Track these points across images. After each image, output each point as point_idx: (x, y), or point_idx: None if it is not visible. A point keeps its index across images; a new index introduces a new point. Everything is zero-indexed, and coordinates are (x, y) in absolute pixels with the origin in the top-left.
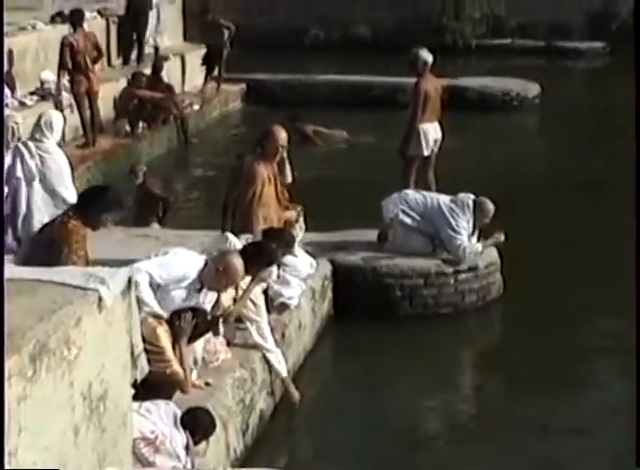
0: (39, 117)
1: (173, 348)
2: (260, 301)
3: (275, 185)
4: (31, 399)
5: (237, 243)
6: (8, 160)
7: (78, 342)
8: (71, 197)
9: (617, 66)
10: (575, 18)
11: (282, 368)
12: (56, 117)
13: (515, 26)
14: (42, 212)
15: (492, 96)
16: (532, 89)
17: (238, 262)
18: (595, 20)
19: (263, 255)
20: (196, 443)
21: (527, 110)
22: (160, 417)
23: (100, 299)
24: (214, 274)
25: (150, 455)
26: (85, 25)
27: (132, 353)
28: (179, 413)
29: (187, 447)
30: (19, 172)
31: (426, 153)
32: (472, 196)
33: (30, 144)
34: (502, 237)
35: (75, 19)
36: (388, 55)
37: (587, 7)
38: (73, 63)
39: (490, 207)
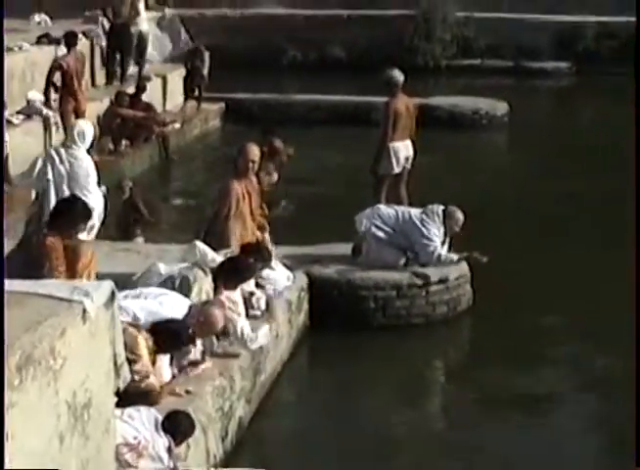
0: (72, 127)
1: (154, 358)
2: (239, 298)
3: (250, 202)
4: (18, 407)
5: (207, 251)
6: (40, 163)
7: (63, 352)
8: (96, 200)
9: (582, 85)
10: (542, 39)
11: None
12: (87, 128)
13: (484, 47)
14: None
15: (462, 114)
16: (501, 108)
17: (218, 314)
18: (561, 41)
19: (241, 270)
20: (176, 444)
21: (496, 128)
22: (142, 423)
23: (84, 311)
24: (196, 323)
25: (133, 461)
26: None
27: (115, 363)
28: (160, 418)
29: (169, 450)
30: (49, 175)
31: (396, 170)
32: (441, 206)
33: (61, 150)
34: (484, 259)
35: (70, 41)
36: (362, 75)
37: (554, 28)
38: (64, 83)
39: (460, 215)
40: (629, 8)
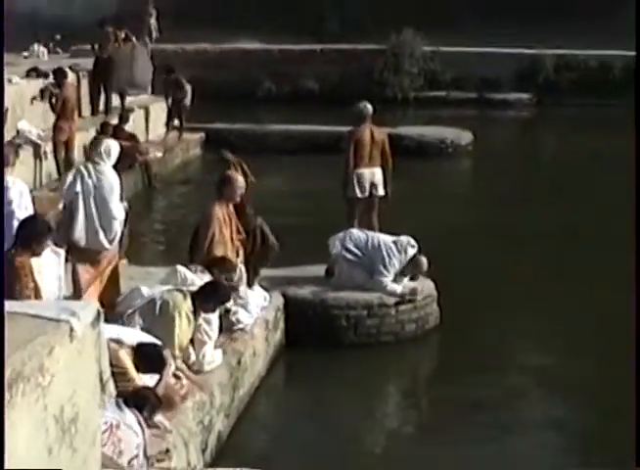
0: (99, 144)
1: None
2: (215, 320)
3: (231, 227)
4: (8, 421)
5: (187, 275)
6: (70, 177)
7: (51, 369)
8: (119, 212)
9: (543, 115)
10: (504, 72)
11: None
12: (114, 146)
13: (449, 80)
14: (95, 223)
15: (429, 143)
16: (465, 137)
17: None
18: (522, 73)
19: (219, 293)
20: (149, 417)
21: (461, 156)
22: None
23: (71, 329)
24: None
25: (115, 447)
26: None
27: (101, 379)
28: (119, 399)
29: (140, 424)
30: (77, 188)
31: (360, 195)
32: (414, 244)
33: (89, 166)
34: (419, 292)
35: (60, 77)
36: (334, 106)
37: (515, 61)
38: (60, 113)
39: (424, 266)
40: (587, 41)
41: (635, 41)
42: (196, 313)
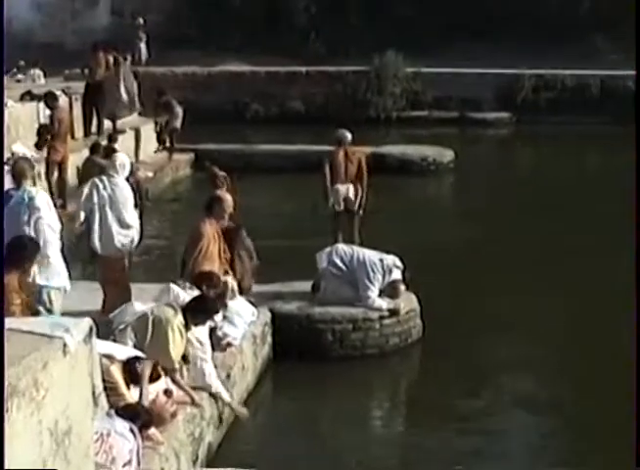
0: (115, 159)
1: (128, 386)
2: (206, 340)
3: (219, 244)
4: (4, 435)
5: (179, 293)
6: (87, 190)
7: (46, 384)
8: (133, 220)
9: (522, 133)
10: (484, 91)
11: (226, 396)
12: (126, 161)
13: (431, 100)
14: (111, 231)
15: (411, 161)
16: (447, 155)
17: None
18: (501, 93)
19: (208, 307)
20: (142, 428)
21: (443, 173)
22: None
23: (65, 345)
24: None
25: (108, 455)
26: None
27: (93, 393)
28: (111, 411)
29: (132, 431)
30: (94, 199)
31: (337, 208)
32: (399, 265)
33: (104, 178)
34: (402, 310)
35: (50, 100)
36: (319, 127)
37: (495, 81)
38: (53, 135)
39: (401, 293)
40: (563, 61)
41: (635, 50)
42: (187, 327)
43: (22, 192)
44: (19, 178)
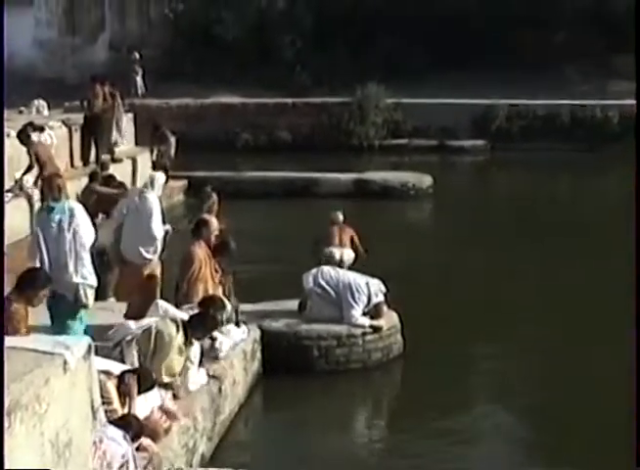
0: (152, 176)
1: (124, 400)
2: (197, 349)
3: (210, 265)
4: (7, 446)
5: (168, 309)
6: (120, 203)
7: (47, 398)
8: (158, 231)
9: (497, 160)
10: (461, 120)
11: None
12: (159, 177)
13: (411, 129)
14: (136, 240)
15: (392, 187)
16: (426, 181)
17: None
18: (477, 122)
19: (207, 323)
20: (135, 438)
21: (422, 198)
22: None
23: (65, 362)
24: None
25: (103, 460)
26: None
27: (92, 407)
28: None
29: (124, 437)
30: (124, 211)
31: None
32: (383, 289)
33: (137, 193)
34: (383, 327)
35: (24, 137)
36: (305, 155)
37: (470, 112)
38: (41, 167)
39: (384, 313)
40: (535, 92)
41: (635, 65)
42: (187, 343)
43: (63, 204)
44: (57, 192)
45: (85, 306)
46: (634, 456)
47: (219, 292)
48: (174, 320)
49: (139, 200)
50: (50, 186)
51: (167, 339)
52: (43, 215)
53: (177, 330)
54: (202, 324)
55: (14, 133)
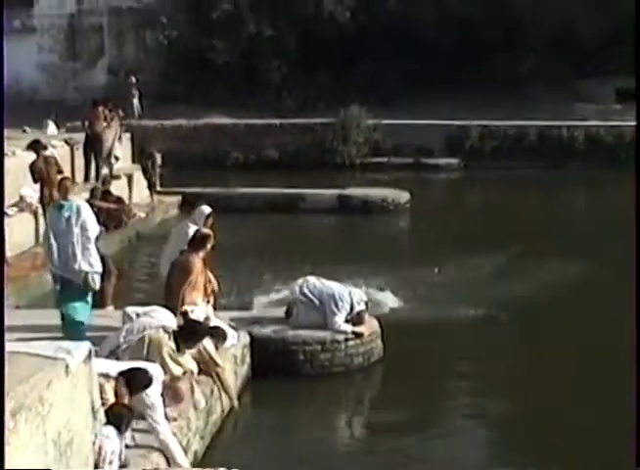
0: (200, 209)
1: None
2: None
3: (205, 275)
4: (12, 445)
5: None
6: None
7: (50, 400)
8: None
9: (469, 177)
10: (436, 140)
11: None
12: (208, 210)
13: (389, 148)
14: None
15: (373, 202)
16: (404, 196)
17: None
18: (451, 141)
19: (198, 332)
20: (124, 430)
21: (400, 212)
22: None
23: (67, 366)
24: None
25: (99, 455)
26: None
27: (92, 408)
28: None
29: (117, 435)
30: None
31: None
32: (364, 299)
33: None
34: (364, 332)
35: (35, 147)
36: (292, 172)
37: (445, 132)
38: (42, 182)
39: (365, 320)
40: (506, 113)
41: (635, 81)
42: (179, 350)
43: (72, 203)
44: (65, 193)
45: (93, 290)
46: (634, 456)
47: (212, 301)
48: (165, 329)
49: (177, 228)
50: (60, 188)
51: (159, 346)
52: (54, 213)
53: (169, 338)
54: (192, 332)
55: (19, 151)
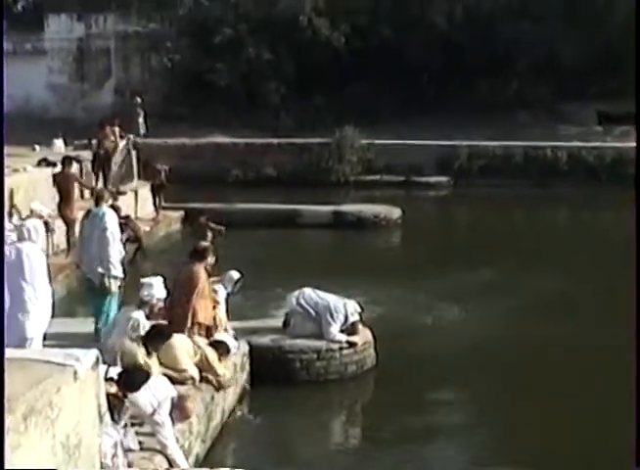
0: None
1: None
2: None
3: (209, 284)
4: (23, 448)
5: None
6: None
7: (59, 404)
8: None
9: (458, 194)
10: (427, 159)
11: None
12: (235, 275)
13: (382, 166)
14: None
15: (366, 218)
16: (396, 213)
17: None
18: (441, 160)
19: (163, 333)
20: (120, 415)
21: (392, 228)
22: None
23: (75, 372)
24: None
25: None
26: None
27: (99, 412)
28: None
29: (115, 428)
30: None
31: None
32: (358, 310)
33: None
34: (358, 341)
35: (63, 163)
36: (289, 189)
37: (435, 152)
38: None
39: (359, 331)
40: (493, 134)
41: (636, 98)
42: (149, 353)
43: (99, 210)
44: (98, 200)
45: (108, 292)
46: (634, 456)
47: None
48: (132, 338)
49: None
50: (93, 196)
51: (132, 357)
52: (85, 219)
53: (139, 346)
54: (158, 334)
55: (30, 167)
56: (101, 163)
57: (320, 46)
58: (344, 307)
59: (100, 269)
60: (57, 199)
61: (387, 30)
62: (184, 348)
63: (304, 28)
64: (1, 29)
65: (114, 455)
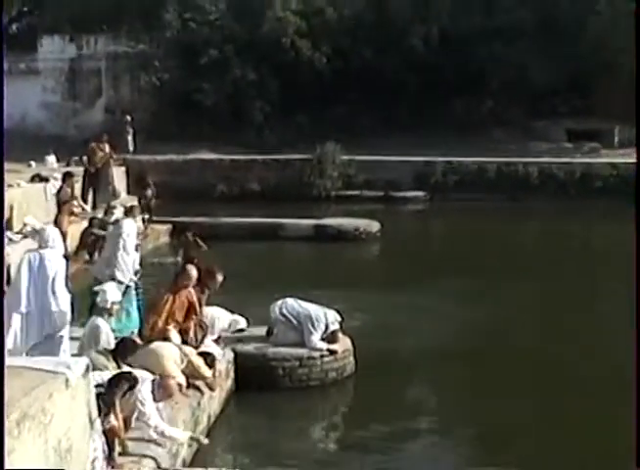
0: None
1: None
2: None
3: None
4: (17, 452)
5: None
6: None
7: (51, 410)
8: None
9: (434, 208)
10: (404, 175)
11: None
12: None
13: (362, 182)
14: None
15: (346, 231)
16: (375, 226)
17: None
18: (418, 176)
19: (129, 346)
20: (106, 416)
21: (371, 241)
22: None
23: (67, 380)
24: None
25: None
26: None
27: (90, 418)
28: None
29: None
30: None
31: None
32: (338, 319)
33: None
34: (338, 349)
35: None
36: (272, 203)
37: (412, 167)
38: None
39: (339, 339)
40: (467, 150)
41: (636, 112)
42: (119, 367)
43: (122, 219)
44: (107, 212)
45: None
46: (634, 456)
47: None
48: (101, 352)
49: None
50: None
51: (103, 369)
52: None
53: (108, 359)
54: (125, 347)
55: (24, 183)
56: (91, 179)
57: (303, 66)
58: (325, 317)
59: (107, 271)
60: (55, 211)
61: (367, 52)
62: (172, 356)
63: (287, 50)
64: (1, 50)
65: (95, 460)
